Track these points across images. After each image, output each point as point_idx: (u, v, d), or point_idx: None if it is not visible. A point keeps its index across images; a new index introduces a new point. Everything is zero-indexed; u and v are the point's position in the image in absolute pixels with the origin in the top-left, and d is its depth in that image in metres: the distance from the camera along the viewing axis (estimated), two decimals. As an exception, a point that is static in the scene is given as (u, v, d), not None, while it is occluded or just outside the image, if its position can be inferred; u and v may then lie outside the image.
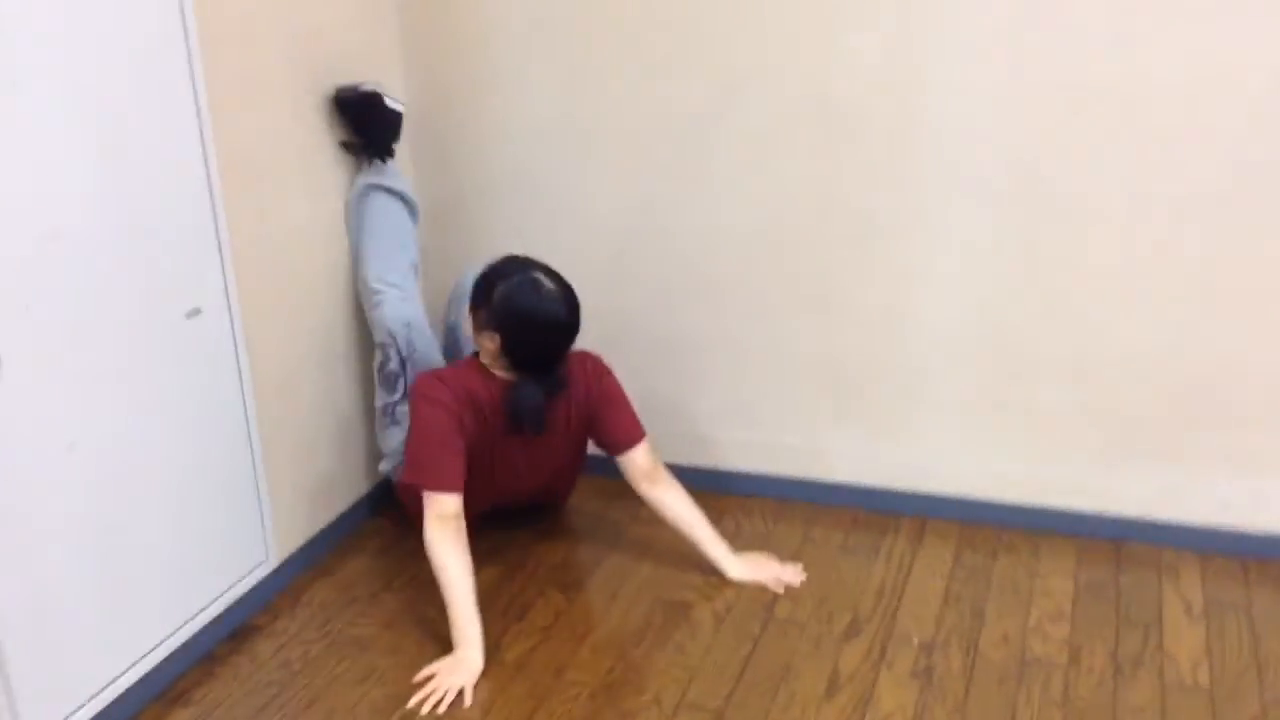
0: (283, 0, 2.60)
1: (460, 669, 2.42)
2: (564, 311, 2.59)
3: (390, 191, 2.90)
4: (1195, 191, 2.57)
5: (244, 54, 2.49)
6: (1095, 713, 2.29)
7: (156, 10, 2.25)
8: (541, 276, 2.60)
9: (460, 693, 2.38)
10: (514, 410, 2.62)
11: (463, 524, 2.53)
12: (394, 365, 2.83)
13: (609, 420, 2.75)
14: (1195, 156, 2.55)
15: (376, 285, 2.86)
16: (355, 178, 2.91)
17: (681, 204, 2.95)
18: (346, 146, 2.89)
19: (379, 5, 2.94)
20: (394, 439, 2.90)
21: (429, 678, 2.41)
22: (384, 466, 2.97)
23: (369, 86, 2.85)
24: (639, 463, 2.75)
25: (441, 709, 2.34)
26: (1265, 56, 2.44)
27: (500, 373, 2.64)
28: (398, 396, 2.85)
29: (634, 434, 2.75)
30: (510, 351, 2.59)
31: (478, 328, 2.62)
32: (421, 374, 2.68)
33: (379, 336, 2.86)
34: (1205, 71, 2.49)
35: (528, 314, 2.56)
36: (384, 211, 2.90)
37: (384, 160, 2.92)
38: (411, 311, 2.86)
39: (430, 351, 2.90)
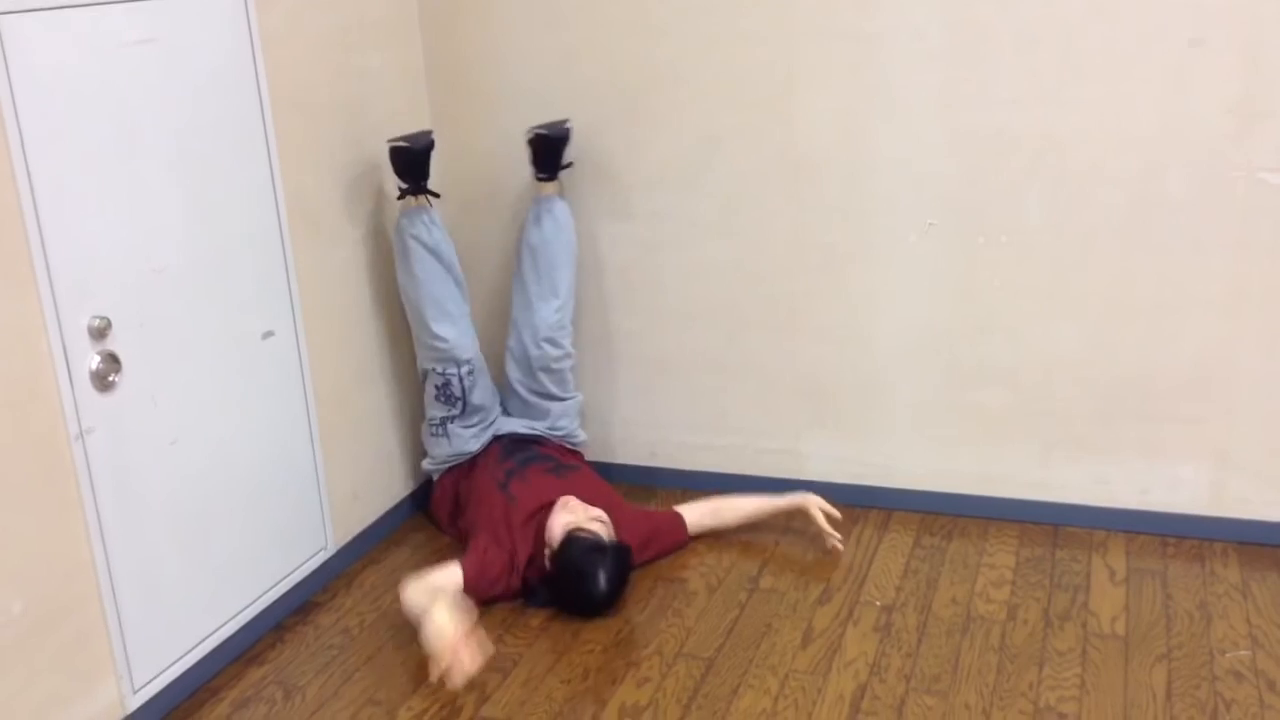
0: (336, 77, 3.10)
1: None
2: (600, 607, 2.92)
3: (425, 245, 3.24)
4: (1102, 221, 3.03)
5: (307, 125, 2.99)
6: (1026, 656, 2.73)
7: (241, 92, 2.77)
8: (601, 576, 2.87)
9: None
10: (532, 591, 3.02)
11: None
12: (456, 390, 3.24)
13: (656, 549, 3.19)
14: (1100, 192, 3.01)
15: (440, 334, 3.21)
16: (399, 218, 3.28)
17: (672, 242, 3.41)
18: (400, 191, 3.29)
19: (415, 78, 3.44)
20: (440, 450, 3.31)
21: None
22: (427, 465, 3.40)
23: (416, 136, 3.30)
24: (694, 532, 3.28)
25: (459, 681, 2.69)
26: (1153, 111, 2.92)
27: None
28: (456, 411, 3.25)
29: (678, 534, 3.24)
30: (553, 591, 2.98)
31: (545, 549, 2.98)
32: (520, 540, 3.01)
33: (445, 368, 3.22)
34: (1105, 123, 2.96)
35: (571, 595, 2.93)
36: (423, 263, 3.23)
37: (424, 197, 3.28)
38: (472, 350, 3.26)
39: (486, 376, 3.32)
